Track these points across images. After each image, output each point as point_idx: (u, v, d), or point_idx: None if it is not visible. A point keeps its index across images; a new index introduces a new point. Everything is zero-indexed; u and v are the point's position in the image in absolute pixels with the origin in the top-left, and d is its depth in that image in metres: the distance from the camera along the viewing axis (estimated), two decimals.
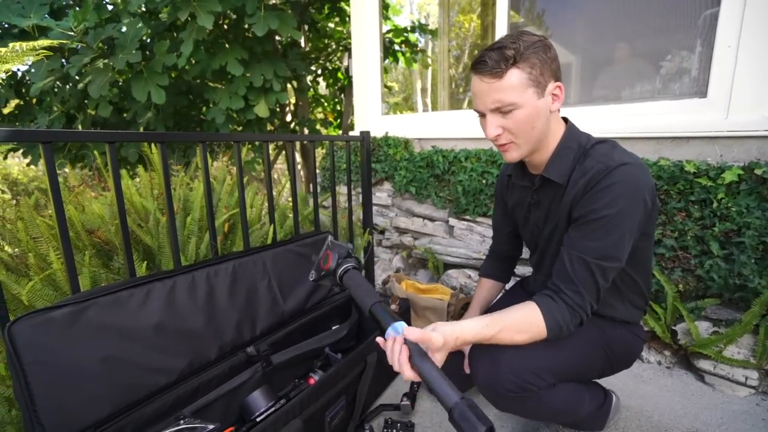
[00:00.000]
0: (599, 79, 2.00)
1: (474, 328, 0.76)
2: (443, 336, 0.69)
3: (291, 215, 1.79)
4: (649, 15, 1.77)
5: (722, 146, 1.43)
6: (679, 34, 1.68)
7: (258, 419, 0.98)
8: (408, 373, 0.65)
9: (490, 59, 0.79)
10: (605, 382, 1.07)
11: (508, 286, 1.31)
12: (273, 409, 1.00)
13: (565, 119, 0.93)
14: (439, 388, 0.59)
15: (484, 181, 1.92)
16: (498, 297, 1.26)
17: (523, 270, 1.80)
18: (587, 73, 2.05)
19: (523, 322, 0.80)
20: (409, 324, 1.51)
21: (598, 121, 1.73)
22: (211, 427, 0.86)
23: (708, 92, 1.48)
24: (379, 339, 0.71)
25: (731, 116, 1.42)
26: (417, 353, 0.65)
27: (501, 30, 2.04)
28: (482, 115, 0.87)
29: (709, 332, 1.38)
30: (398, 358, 0.66)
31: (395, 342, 0.67)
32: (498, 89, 0.80)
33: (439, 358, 0.69)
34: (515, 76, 0.78)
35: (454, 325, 0.74)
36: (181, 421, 0.86)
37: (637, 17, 1.80)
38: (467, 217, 2.05)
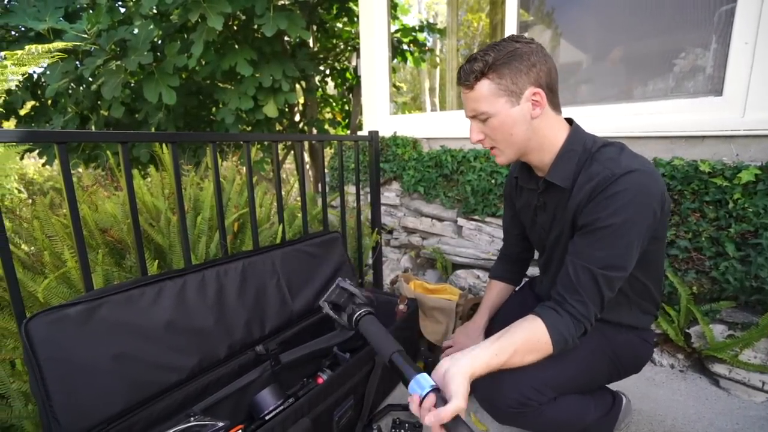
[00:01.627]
0: (611, 77, 1.97)
1: (483, 361, 0.72)
2: (464, 397, 0.64)
3: (300, 215, 1.80)
4: (662, 11, 1.73)
5: (738, 145, 1.40)
6: (693, 31, 1.65)
7: (267, 417, 0.99)
8: None
9: (463, 72, 0.84)
10: (615, 384, 1.06)
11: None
12: (281, 407, 1.01)
13: (570, 121, 0.91)
14: None
15: (492, 181, 1.91)
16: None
17: (533, 270, 1.78)
18: (598, 71, 2.02)
19: (530, 341, 0.77)
20: (416, 324, 1.52)
21: (610, 120, 1.70)
22: (220, 424, 0.86)
23: (724, 90, 1.44)
24: (412, 409, 0.68)
25: (748, 114, 1.38)
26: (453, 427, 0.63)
27: (510, 28, 2.02)
28: None
29: (725, 336, 1.35)
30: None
31: (431, 417, 0.64)
32: (472, 99, 0.85)
33: (464, 407, 0.66)
34: (485, 87, 0.82)
35: (464, 372, 0.68)
36: (191, 419, 0.87)
37: (650, 14, 1.77)
38: (476, 217, 2.04)
